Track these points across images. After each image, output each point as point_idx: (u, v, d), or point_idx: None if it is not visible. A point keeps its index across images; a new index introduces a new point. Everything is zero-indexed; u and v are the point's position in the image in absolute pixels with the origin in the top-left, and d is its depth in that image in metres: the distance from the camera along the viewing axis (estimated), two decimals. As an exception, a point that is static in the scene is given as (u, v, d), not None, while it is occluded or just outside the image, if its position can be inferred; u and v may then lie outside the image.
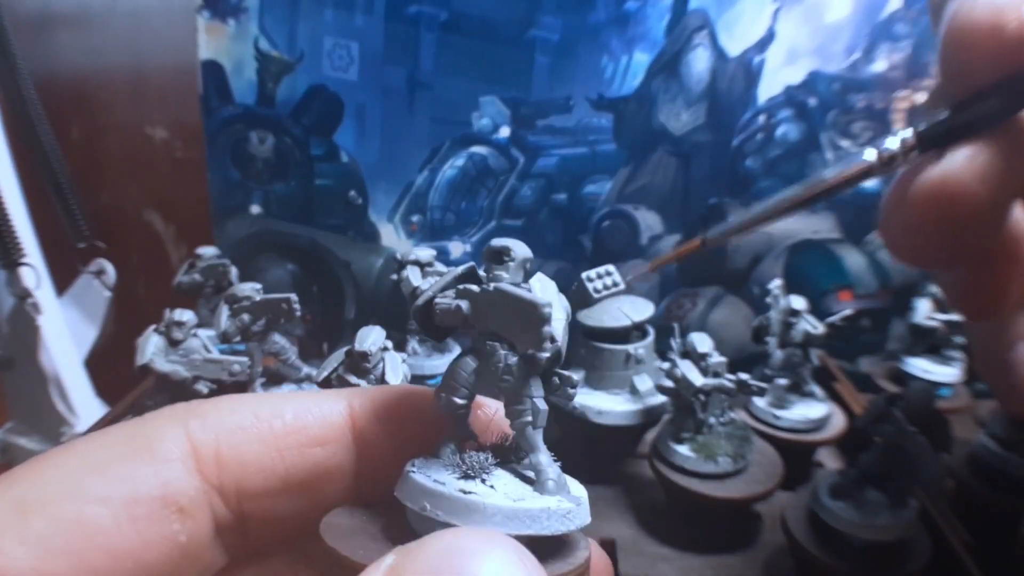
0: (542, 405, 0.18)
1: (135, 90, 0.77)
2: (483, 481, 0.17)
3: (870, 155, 0.21)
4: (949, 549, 0.38)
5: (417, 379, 0.48)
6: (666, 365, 0.44)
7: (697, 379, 0.42)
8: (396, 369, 0.37)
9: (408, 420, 0.19)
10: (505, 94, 0.64)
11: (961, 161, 0.20)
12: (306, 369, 0.49)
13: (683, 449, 0.42)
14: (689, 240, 0.22)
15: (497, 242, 0.18)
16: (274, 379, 0.49)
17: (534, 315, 0.16)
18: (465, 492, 0.16)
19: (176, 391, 0.42)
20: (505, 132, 0.65)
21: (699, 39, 0.61)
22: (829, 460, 0.53)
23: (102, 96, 0.77)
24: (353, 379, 0.36)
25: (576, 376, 0.18)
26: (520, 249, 0.18)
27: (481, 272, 0.19)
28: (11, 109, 0.61)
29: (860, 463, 0.39)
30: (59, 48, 0.76)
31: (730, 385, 0.43)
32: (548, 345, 0.17)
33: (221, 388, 0.43)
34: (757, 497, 0.41)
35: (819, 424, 0.50)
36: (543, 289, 0.18)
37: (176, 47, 0.71)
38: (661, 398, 0.47)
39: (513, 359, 0.17)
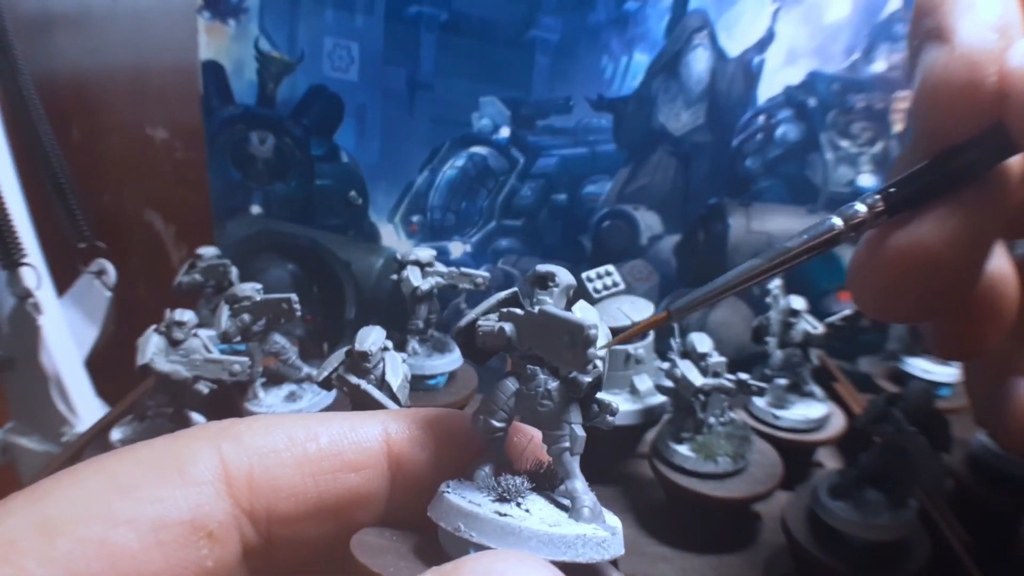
0: (580, 432, 0.18)
1: (136, 90, 0.77)
2: (518, 505, 0.17)
3: (837, 221, 0.20)
4: (948, 549, 0.38)
5: (417, 379, 0.48)
6: (666, 365, 0.44)
7: (697, 379, 0.42)
8: (396, 369, 0.37)
9: (443, 445, 0.19)
10: (505, 94, 0.64)
11: (930, 226, 0.19)
12: (306, 369, 0.49)
13: (683, 449, 0.42)
14: (655, 314, 0.22)
15: (542, 268, 0.18)
16: (274, 379, 0.49)
17: (580, 336, 0.16)
18: (501, 514, 0.16)
19: (176, 391, 0.42)
20: (505, 132, 0.65)
21: (699, 39, 0.61)
22: (829, 460, 0.53)
23: (103, 96, 0.77)
24: (353, 379, 0.36)
25: (615, 404, 0.18)
26: (564, 276, 0.18)
27: (523, 298, 0.19)
28: (12, 109, 0.61)
29: (860, 463, 0.39)
30: (60, 48, 0.76)
31: (730, 385, 0.43)
32: (591, 368, 0.17)
33: (221, 388, 0.43)
34: (757, 497, 0.41)
35: (819, 424, 0.50)
36: (585, 315, 0.18)
37: (176, 48, 0.71)
38: (661, 398, 0.47)
39: (553, 384, 0.18)
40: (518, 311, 0.18)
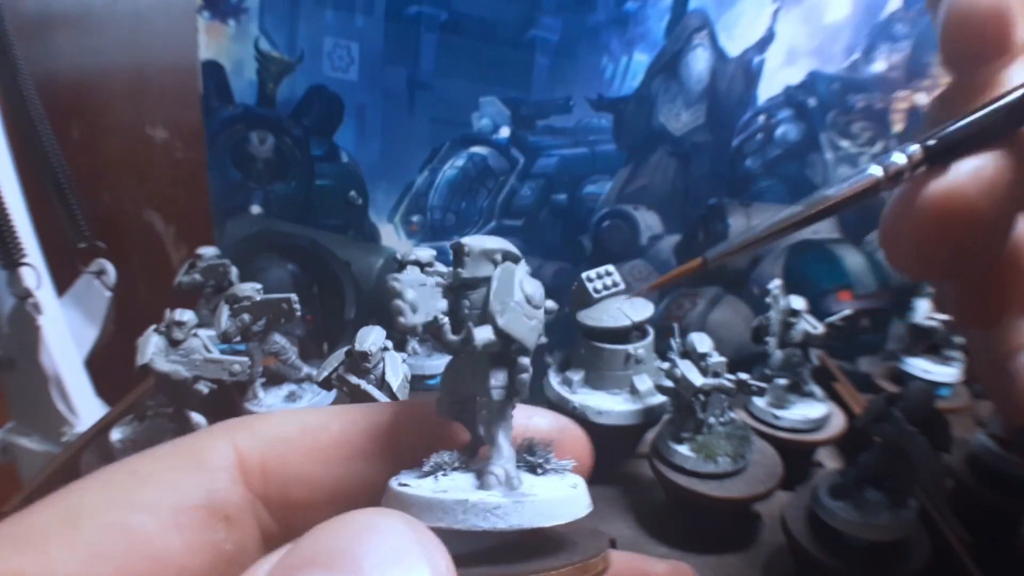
0: (496, 396, 0.17)
1: (135, 90, 0.77)
2: (436, 479, 0.17)
3: (876, 170, 0.20)
4: (949, 549, 0.38)
5: (417, 379, 0.48)
6: (666, 365, 0.44)
7: (697, 379, 0.42)
8: (396, 369, 0.37)
9: (443, 432, 0.19)
10: (505, 94, 0.64)
11: (966, 174, 0.19)
12: (306, 369, 0.49)
13: (683, 449, 0.42)
14: (690, 260, 0.21)
15: (454, 241, 0.18)
16: (274, 379, 0.49)
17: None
18: (402, 485, 0.16)
19: (176, 391, 0.42)
20: (505, 132, 0.65)
21: (699, 39, 0.61)
22: (829, 460, 0.53)
23: (102, 96, 0.77)
24: (353, 379, 0.36)
25: (524, 361, 0.17)
26: (477, 242, 0.18)
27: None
28: (11, 109, 0.61)
29: (860, 463, 0.39)
30: (59, 48, 0.76)
31: (730, 385, 0.43)
32: (400, 320, 0.16)
33: (221, 388, 0.43)
34: (757, 497, 0.41)
35: (819, 424, 0.50)
36: (499, 276, 0.17)
37: (176, 47, 0.71)
38: (661, 398, 0.47)
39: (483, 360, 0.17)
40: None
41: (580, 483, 0.18)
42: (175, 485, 0.16)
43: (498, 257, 0.18)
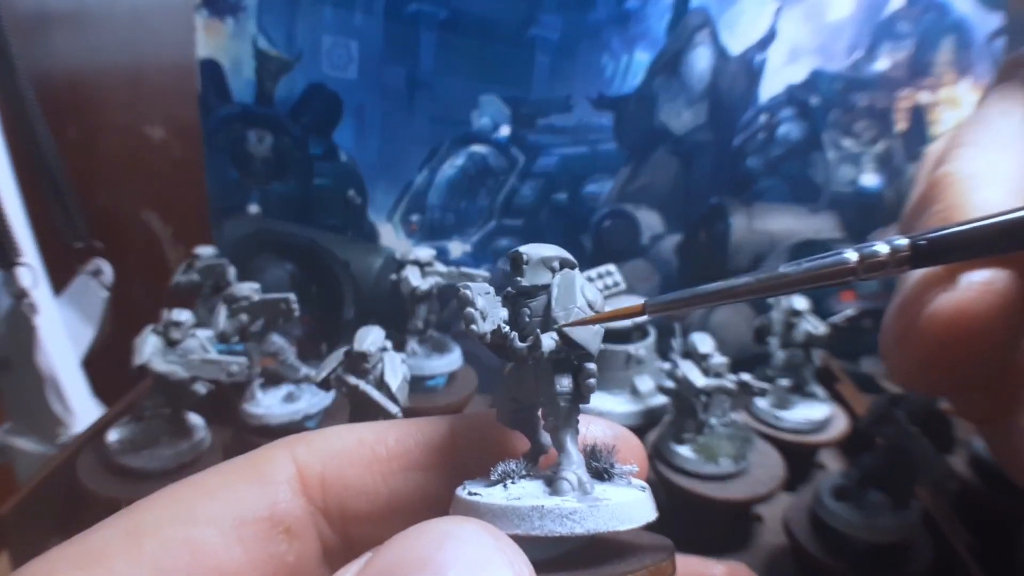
0: (563, 402, 0.17)
1: (133, 89, 0.76)
2: (504, 487, 0.17)
3: (851, 256, 0.18)
4: (952, 551, 0.38)
5: (416, 380, 0.48)
6: (667, 366, 0.44)
7: (698, 380, 0.42)
8: (395, 370, 0.37)
9: (501, 442, 0.19)
10: (505, 93, 0.63)
11: (978, 289, 0.18)
12: (305, 369, 0.49)
13: (684, 450, 0.42)
14: (632, 305, 0.19)
15: (513, 250, 0.18)
16: (272, 380, 0.49)
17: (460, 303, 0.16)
18: (472, 494, 0.16)
19: (174, 392, 0.42)
20: (505, 131, 0.64)
21: (700, 38, 0.61)
22: (831, 461, 0.53)
23: (100, 95, 0.77)
24: (352, 379, 0.36)
25: (591, 366, 0.18)
26: (535, 250, 0.18)
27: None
28: (8, 108, 0.61)
29: (862, 464, 0.39)
30: (57, 47, 0.75)
31: (731, 386, 0.42)
32: (470, 328, 0.16)
33: (219, 388, 0.43)
34: (759, 498, 0.41)
35: (821, 425, 0.49)
36: (560, 284, 0.18)
37: (174, 46, 0.71)
38: (662, 399, 0.47)
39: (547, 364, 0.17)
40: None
41: (646, 487, 0.18)
42: (237, 499, 0.16)
43: (556, 264, 0.18)
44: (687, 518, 0.43)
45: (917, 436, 0.37)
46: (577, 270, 0.18)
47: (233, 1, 0.62)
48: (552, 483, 0.17)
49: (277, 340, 0.48)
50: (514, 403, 0.18)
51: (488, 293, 0.17)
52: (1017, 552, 0.41)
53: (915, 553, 0.37)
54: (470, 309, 0.16)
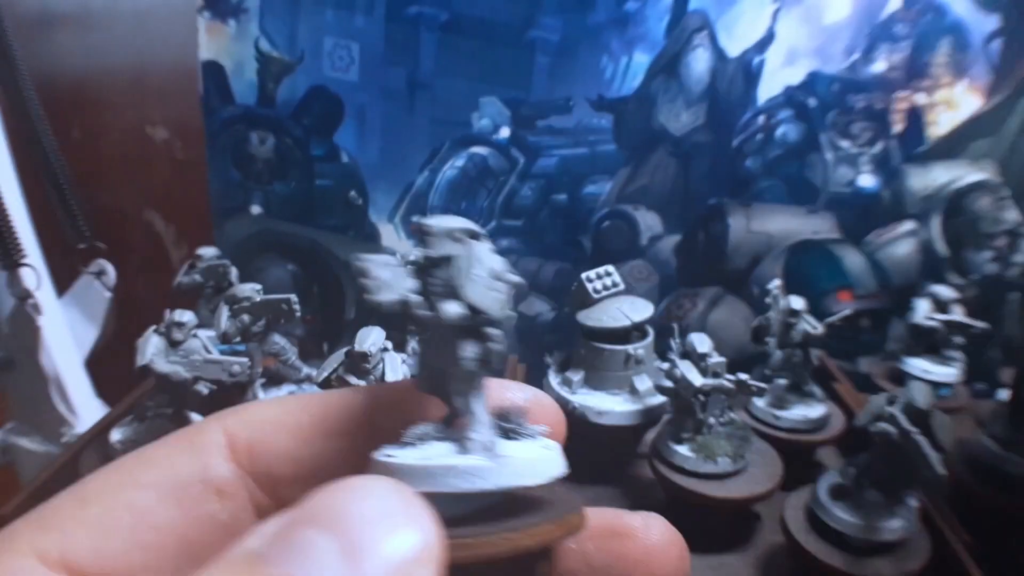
0: (467, 366, 0.18)
1: (136, 90, 0.77)
2: (417, 447, 0.18)
3: None
4: (949, 549, 0.38)
5: (417, 379, 0.48)
6: (666, 365, 0.44)
7: (697, 379, 0.42)
8: (396, 369, 0.37)
9: (418, 407, 0.21)
10: (505, 95, 0.64)
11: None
12: (306, 370, 0.49)
13: (683, 449, 0.42)
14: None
15: (415, 220, 0.19)
16: (274, 379, 0.49)
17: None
18: (388, 456, 0.17)
19: (176, 392, 0.42)
20: (505, 132, 0.65)
21: (699, 40, 0.61)
22: (829, 460, 0.53)
23: (103, 96, 0.77)
24: (353, 379, 0.36)
25: (494, 331, 0.18)
26: (439, 223, 0.19)
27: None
28: (11, 109, 0.61)
29: (860, 463, 0.39)
30: (60, 48, 0.76)
31: (730, 385, 0.43)
32: (373, 302, 0.17)
33: (221, 389, 0.43)
34: (757, 497, 0.41)
35: (819, 424, 0.50)
36: (464, 254, 0.18)
37: (177, 47, 0.71)
38: (661, 398, 0.47)
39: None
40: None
41: (554, 445, 0.18)
42: (173, 465, 0.18)
43: (460, 235, 0.19)
44: (686, 517, 0.43)
45: (914, 435, 0.37)
46: (485, 240, 0.19)
47: (235, 3, 0.62)
48: (461, 444, 0.18)
49: (279, 340, 0.48)
50: (428, 369, 0.19)
51: (392, 264, 0.18)
52: (1014, 549, 0.41)
53: (912, 551, 0.37)
54: (363, 280, 0.17)
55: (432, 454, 0.17)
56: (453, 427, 0.19)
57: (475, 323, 0.18)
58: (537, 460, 0.17)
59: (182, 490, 0.18)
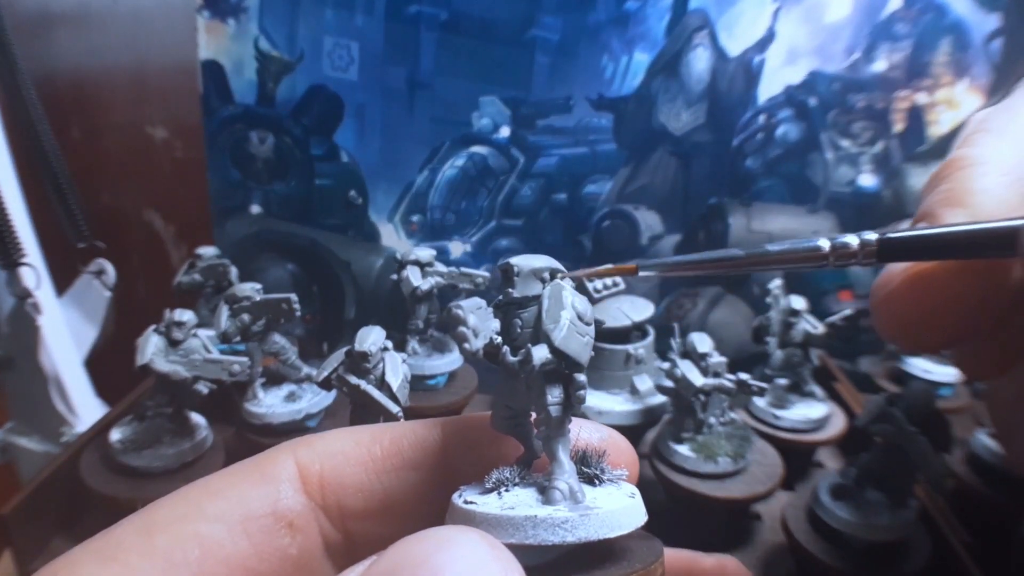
0: (554, 412, 0.18)
1: (135, 90, 0.77)
2: (499, 495, 0.17)
3: (823, 244, 0.20)
4: (949, 549, 0.38)
5: (417, 379, 0.48)
6: (666, 365, 0.44)
7: (697, 379, 0.42)
8: (396, 369, 0.37)
9: (491, 445, 0.20)
10: (505, 94, 0.64)
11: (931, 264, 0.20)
12: (306, 369, 0.49)
13: (683, 449, 0.42)
14: (627, 263, 0.22)
15: (502, 262, 0.19)
16: (274, 379, 0.49)
17: (449, 320, 0.17)
18: (468, 503, 0.17)
19: (176, 391, 0.42)
20: (505, 132, 0.65)
21: (699, 39, 0.61)
22: (829, 460, 0.53)
23: (102, 96, 0.77)
24: (353, 379, 0.36)
25: (581, 377, 0.18)
26: (525, 262, 0.18)
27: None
28: (11, 109, 0.61)
29: (860, 463, 0.39)
30: (59, 48, 0.76)
31: (730, 385, 0.43)
32: (464, 346, 0.17)
33: (221, 388, 0.43)
34: (757, 497, 0.41)
35: (819, 424, 0.50)
36: (549, 295, 0.18)
37: (176, 47, 0.71)
38: (661, 398, 0.47)
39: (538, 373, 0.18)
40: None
41: (636, 492, 0.18)
42: (242, 496, 0.18)
43: (546, 275, 0.18)
44: (686, 516, 0.43)
45: (915, 435, 0.37)
46: (568, 280, 0.19)
47: (235, 2, 0.62)
48: (544, 492, 0.17)
49: (278, 340, 0.48)
50: (508, 410, 0.19)
51: (480, 308, 0.18)
52: (1014, 549, 0.41)
53: (912, 551, 0.37)
54: (462, 328, 0.17)
55: (515, 502, 0.17)
56: (533, 470, 0.18)
57: (560, 367, 0.17)
58: (623, 510, 0.17)
59: (252, 522, 0.17)
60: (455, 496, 0.17)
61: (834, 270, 0.64)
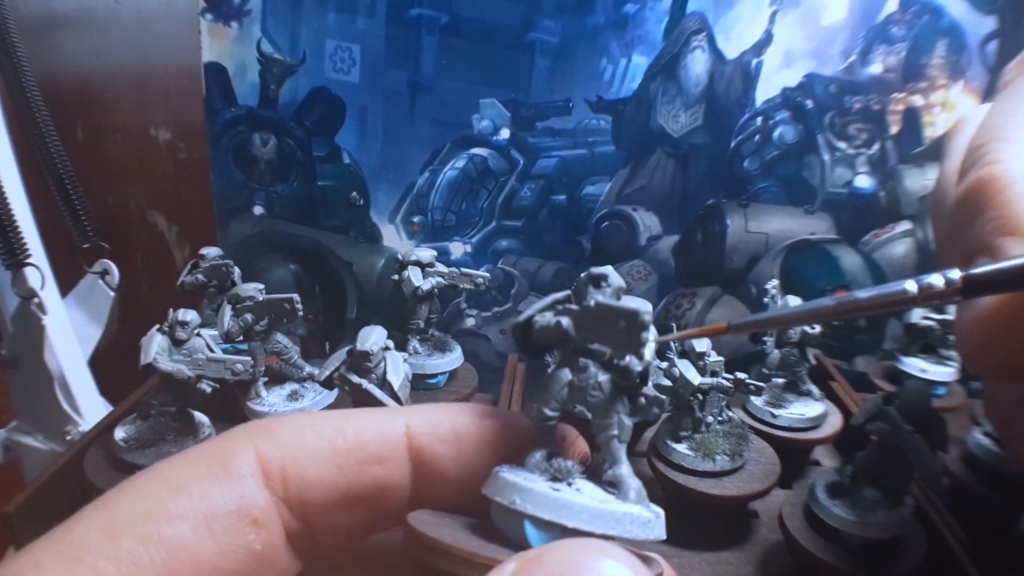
0: (627, 421, 0.19)
1: (139, 92, 0.77)
2: (569, 485, 0.18)
3: (911, 287, 0.21)
4: (945, 547, 0.39)
5: (418, 378, 0.49)
6: (664, 364, 0.45)
7: (695, 378, 0.42)
8: (397, 369, 0.37)
9: (463, 438, 0.20)
10: (505, 96, 0.64)
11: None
12: (308, 368, 0.50)
13: (681, 447, 0.43)
14: (716, 324, 0.22)
15: (596, 269, 0.20)
16: (276, 378, 0.49)
17: (635, 321, 0.17)
18: (555, 489, 0.17)
19: (179, 390, 0.43)
20: (505, 134, 0.65)
21: (697, 42, 0.62)
22: (826, 458, 0.54)
23: (106, 97, 0.78)
24: (355, 378, 0.37)
25: (664, 397, 0.19)
26: (615, 278, 0.19)
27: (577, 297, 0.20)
28: (16, 110, 0.62)
29: (857, 461, 0.39)
30: (63, 50, 0.76)
31: (728, 384, 0.43)
32: (644, 353, 0.18)
33: (224, 387, 0.44)
34: (754, 495, 0.42)
35: (816, 423, 0.50)
36: (638, 304, 0.19)
37: (180, 49, 0.72)
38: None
39: (604, 376, 0.19)
40: (573, 306, 0.19)
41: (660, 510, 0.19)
42: (205, 493, 0.17)
43: (621, 296, 0.20)
44: (684, 515, 0.44)
45: (911, 434, 0.37)
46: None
47: (238, 6, 0.63)
48: (617, 488, 0.18)
49: (281, 339, 0.48)
50: (557, 408, 0.19)
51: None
52: (1010, 548, 0.41)
53: (909, 549, 0.38)
54: (645, 334, 0.18)
55: (601, 496, 0.18)
56: (593, 466, 0.19)
57: (643, 380, 0.19)
58: (662, 514, 0.19)
59: (216, 521, 0.17)
60: (512, 475, 0.18)
61: (827, 266, 0.65)
